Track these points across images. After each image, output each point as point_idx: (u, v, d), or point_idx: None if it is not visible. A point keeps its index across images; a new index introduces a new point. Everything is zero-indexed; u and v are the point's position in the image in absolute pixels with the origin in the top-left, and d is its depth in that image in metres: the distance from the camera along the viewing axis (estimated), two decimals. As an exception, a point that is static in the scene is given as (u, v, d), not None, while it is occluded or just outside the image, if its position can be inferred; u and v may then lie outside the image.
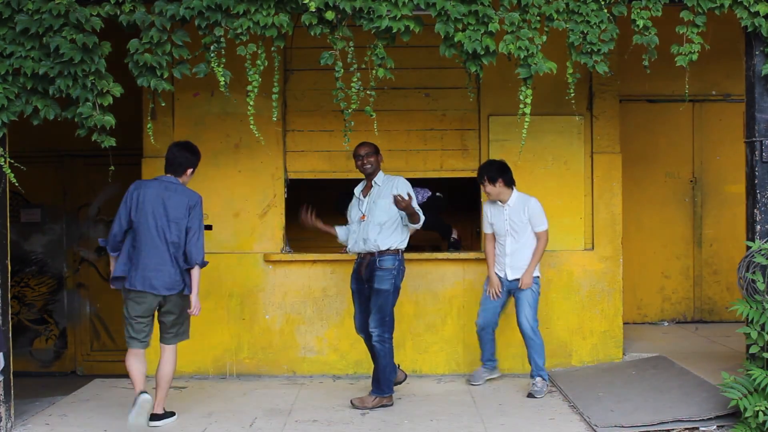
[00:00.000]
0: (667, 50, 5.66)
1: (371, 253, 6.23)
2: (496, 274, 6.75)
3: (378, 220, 6.21)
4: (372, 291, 6.21)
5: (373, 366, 6.32)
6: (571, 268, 7.41)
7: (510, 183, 6.69)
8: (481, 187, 6.74)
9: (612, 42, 5.59)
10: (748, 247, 5.73)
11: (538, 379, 6.61)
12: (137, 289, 5.64)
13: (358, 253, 6.36)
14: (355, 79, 5.60)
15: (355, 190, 6.55)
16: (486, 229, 6.86)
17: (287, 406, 6.39)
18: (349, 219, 6.50)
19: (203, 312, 7.27)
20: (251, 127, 5.76)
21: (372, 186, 6.37)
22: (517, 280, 6.66)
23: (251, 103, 5.65)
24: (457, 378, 7.22)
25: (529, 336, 6.64)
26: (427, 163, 7.51)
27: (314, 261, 7.38)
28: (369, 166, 6.32)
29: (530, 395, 6.54)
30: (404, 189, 6.21)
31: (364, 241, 6.24)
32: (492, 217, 6.77)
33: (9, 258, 5.90)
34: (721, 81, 8.62)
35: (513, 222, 6.66)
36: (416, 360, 7.25)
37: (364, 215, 6.28)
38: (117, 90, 5.53)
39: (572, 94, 5.74)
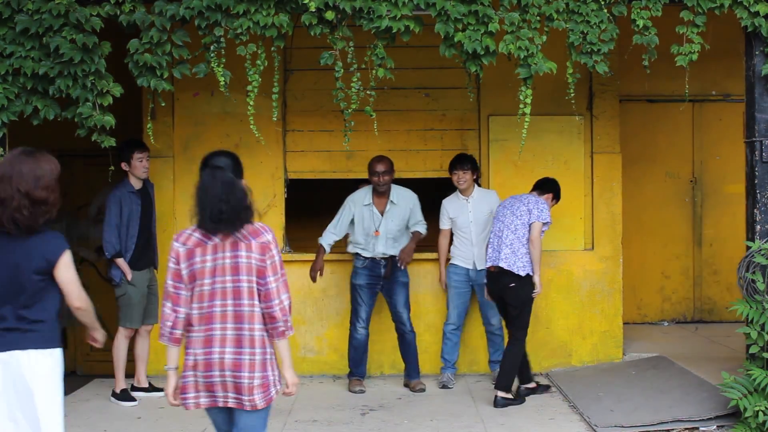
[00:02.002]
0: (667, 50, 5.66)
1: (385, 258, 6.81)
2: (462, 266, 6.95)
3: (392, 235, 6.80)
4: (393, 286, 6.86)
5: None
6: (571, 268, 7.41)
7: (476, 178, 7.00)
8: (457, 176, 6.85)
9: (612, 42, 5.59)
10: (748, 247, 5.73)
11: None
12: None
13: (373, 258, 6.81)
14: (355, 79, 5.60)
15: (362, 199, 6.77)
16: (444, 224, 7.04)
17: (287, 406, 6.38)
18: (358, 226, 6.81)
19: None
20: (251, 127, 5.76)
21: (387, 203, 6.79)
22: (484, 270, 6.70)
23: (251, 103, 5.65)
24: (457, 378, 7.20)
25: (498, 333, 6.98)
26: (427, 163, 7.51)
27: (314, 261, 7.37)
28: (384, 185, 6.71)
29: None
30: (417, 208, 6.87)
31: (375, 250, 6.79)
32: (453, 212, 6.96)
33: (9, 258, 5.89)
34: (721, 81, 8.60)
35: (476, 214, 6.88)
36: (416, 360, 7.24)
37: (378, 231, 6.76)
38: (117, 90, 5.53)
39: (572, 94, 5.74)
